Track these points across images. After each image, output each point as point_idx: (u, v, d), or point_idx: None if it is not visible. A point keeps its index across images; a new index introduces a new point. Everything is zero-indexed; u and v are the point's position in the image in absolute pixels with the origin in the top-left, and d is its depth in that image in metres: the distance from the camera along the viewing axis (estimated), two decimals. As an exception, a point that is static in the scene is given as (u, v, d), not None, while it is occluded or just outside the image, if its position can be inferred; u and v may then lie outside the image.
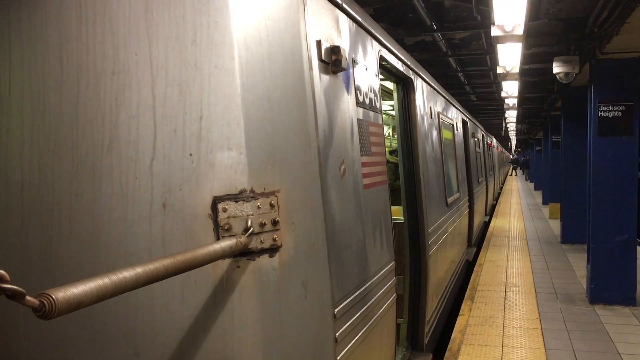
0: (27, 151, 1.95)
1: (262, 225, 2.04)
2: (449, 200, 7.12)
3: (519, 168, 56.51)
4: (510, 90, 12.42)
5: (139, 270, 1.46)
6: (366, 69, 3.41)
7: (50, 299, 1.20)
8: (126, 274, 1.42)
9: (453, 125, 8.59)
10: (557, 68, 7.97)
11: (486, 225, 15.68)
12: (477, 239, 12.63)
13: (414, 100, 5.14)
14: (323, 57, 2.61)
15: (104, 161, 1.93)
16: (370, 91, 3.47)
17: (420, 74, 5.68)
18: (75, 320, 1.85)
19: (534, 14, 6.65)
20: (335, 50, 2.72)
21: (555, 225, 14.69)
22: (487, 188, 16.07)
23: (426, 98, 5.94)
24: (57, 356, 1.93)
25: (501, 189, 30.63)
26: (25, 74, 1.97)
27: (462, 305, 7.43)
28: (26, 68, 1.97)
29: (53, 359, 1.93)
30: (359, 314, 2.88)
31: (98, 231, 1.92)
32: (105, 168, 1.93)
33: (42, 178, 1.93)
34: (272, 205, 2.08)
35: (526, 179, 43.05)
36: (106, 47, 1.96)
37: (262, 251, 2.05)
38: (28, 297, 1.17)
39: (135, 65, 1.96)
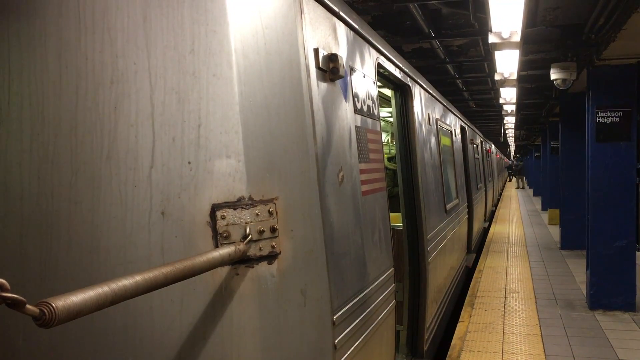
0: (26, 160, 1.95)
1: (261, 232, 2.04)
2: (448, 206, 7.13)
3: (512, 175, 52.07)
4: (508, 96, 12.45)
5: (138, 278, 1.47)
6: (364, 77, 3.42)
7: (50, 307, 1.21)
8: (126, 282, 1.43)
9: (451, 132, 8.61)
10: (554, 74, 8.00)
11: (485, 231, 15.68)
12: (477, 245, 12.63)
13: (412, 107, 5.15)
14: (321, 65, 2.63)
15: (102, 170, 1.94)
16: (368, 98, 3.48)
17: (418, 80, 5.70)
18: (74, 328, 1.86)
19: (531, 20, 6.68)
20: (332, 58, 2.73)
21: (555, 231, 14.69)
22: (486, 194, 16.08)
23: (424, 105, 5.96)
24: (57, 364, 1.93)
25: (500, 195, 30.64)
26: (24, 84, 1.98)
27: (462, 312, 7.43)
28: (25, 77, 1.98)
29: (52, 367, 1.94)
30: (358, 320, 2.89)
31: (97, 239, 1.92)
32: (104, 177, 1.94)
33: (41, 187, 1.94)
34: (270, 213, 2.08)
35: (518, 187, 38.34)
36: (105, 56, 1.97)
37: (260, 258, 2.05)
38: (28, 306, 1.18)
39: (134, 74, 1.97)
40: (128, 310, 1.90)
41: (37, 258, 1.92)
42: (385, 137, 10.10)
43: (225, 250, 1.86)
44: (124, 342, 1.92)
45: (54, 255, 1.91)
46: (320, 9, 2.77)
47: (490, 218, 18.61)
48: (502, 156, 49.21)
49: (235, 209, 2.00)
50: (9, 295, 1.15)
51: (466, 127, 11.63)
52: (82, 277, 1.90)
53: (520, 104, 14.95)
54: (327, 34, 2.81)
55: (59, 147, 1.94)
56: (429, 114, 6.21)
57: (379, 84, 4.04)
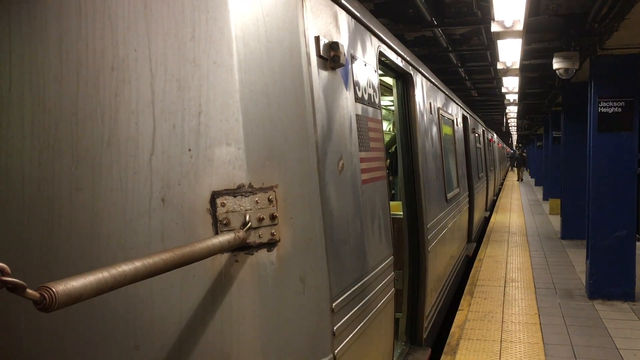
0: (27, 147, 1.96)
1: (260, 220, 2.06)
2: (449, 195, 7.14)
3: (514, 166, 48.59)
4: (510, 85, 12.41)
5: (138, 264, 1.48)
6: (365, 65, 3.42)
7: (51, 291, 1.22)
8: (125, 267, 1.44)
9: (453, 121, 8.59)
10: (557, 64, 7.97)
11: (486, 220, 15.70)
12: (477, 235, 12.65)
13: (414, 95, 5.15)
14: (321, 53, 2.63)
15: (103, 156, 1.95)
16: (369, 87, 3.48)
17: (420, 69, 5.69)
18: (75, 313, 1.88)
19: (534, 9, 6.65)
20: (333, 46, 2.73)
21: (556, 221, 14.70)
22: (487, 183, 16.09)
23: (426, 94, 5.95)
24: (58, 348, 1.96)
25: (502, 184, 30.62)
26: (25, 70, 1.98)
27: (462, 300, 7.46)
28: (26, 64, 1.98)
29: (53, 351, 1.96)
30: (356, 308, 2.90)
31: (98, 226, 1.94)
32: (104, 163, 1.95)
33: (42, 173, 1.95)
34: (270, 200, 2.09)
35: (518, 179, 35.82)
36: (105, 43, 1.97)
37: (260, 245, 2.07)
38: (29, 290, 1.19)
39: (134, 61, 1.98)
40: (128, 296, 1.92)
41: (37, 244, 1.94)
42: (386, 126, 10.09)
43: (224, 238, 1.87)
44: (125, 326, 1.94)
45: (54, 241, 1.93)
46: (321, -4, 2.76)
47: (491, 207, 18.63)
48: (505, 145, 48.99)
49: (235, 197, 2.02)
50: (10, 279, 1.16)
51: (468, 116, 11.61)
52: (83, 263, 1.92)
53: (522, 93, 14.91)
54: (328, 22, 2.80)
55: (59, 133, 1.95)
56: (430, 103, 6.20)
57: (380, 72, 4.04)
